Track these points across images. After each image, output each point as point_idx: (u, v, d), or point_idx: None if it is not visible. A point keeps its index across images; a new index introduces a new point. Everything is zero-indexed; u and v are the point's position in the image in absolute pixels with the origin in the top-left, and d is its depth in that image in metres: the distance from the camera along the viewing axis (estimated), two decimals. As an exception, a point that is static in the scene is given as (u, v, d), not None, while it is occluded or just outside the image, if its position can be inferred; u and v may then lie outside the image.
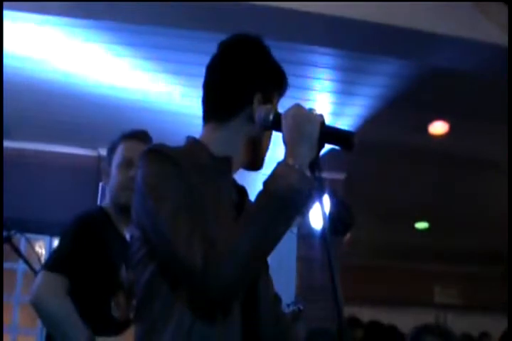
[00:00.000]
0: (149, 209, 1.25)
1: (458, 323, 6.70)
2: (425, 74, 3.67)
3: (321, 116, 1.32)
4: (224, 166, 1.39)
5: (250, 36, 1.51)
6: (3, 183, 3.64)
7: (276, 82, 1.48)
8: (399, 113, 4.20)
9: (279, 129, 1.35)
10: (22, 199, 4.81)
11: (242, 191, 1.48)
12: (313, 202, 1.29)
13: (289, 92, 4.51)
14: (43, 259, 4.49)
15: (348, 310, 5.46)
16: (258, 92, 1.42)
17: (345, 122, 4.29)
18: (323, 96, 3.98)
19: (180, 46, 3.54)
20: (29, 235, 3.86)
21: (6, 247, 3.48)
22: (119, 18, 3.13)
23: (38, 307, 2.16)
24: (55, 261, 2.27)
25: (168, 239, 1.21)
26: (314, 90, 3.95)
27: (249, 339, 1.32)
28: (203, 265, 1.16)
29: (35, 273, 3.46)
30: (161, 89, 4.03)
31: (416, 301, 8.51)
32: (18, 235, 3.59)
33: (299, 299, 4.83)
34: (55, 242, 5.05)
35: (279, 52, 3.80)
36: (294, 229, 5.25)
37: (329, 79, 3.84)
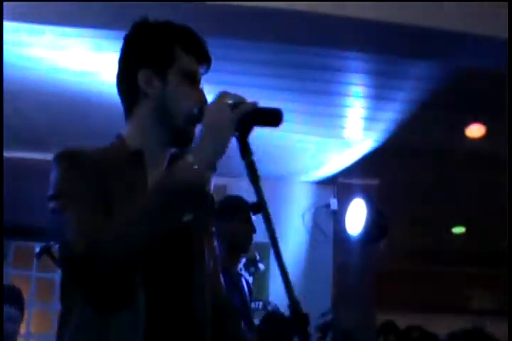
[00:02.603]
0: (52, 208, 1.28)
1: (494, 329, 6.56)
2: (459, 76, 3.62)
3: (245, 104, 1.27)
4: (137, 159, 1.38)
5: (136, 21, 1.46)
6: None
7: (168, 51, 1.40)
8: (433, 116, 4.15)
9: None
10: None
11: None
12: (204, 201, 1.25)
13: (320, 99, 4.47)
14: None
15: (383, 316, 5.37)
16: (142, 69, 1.39)
17: (378, 127, 4.24)
18: (356, 101, 3.95)
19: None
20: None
21: (45, 258, 3.51)
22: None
23: None
24: None
25: (63, 230, 1.24)
26: (347, 95, 3.92)
27: (158, 329, 1.28)
28: (84, 249, 1.17)
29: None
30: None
31: (452, 306, 8.37)
32: (57, 246, 3.64)
33: (332, 309, 4.81)
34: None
35: (311, 58, 3.79)
36: (330, 235, 5.22)
37: (361, 84, 3.81)
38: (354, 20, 2.92)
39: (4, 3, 2.72)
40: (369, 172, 4.98)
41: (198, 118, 1.32)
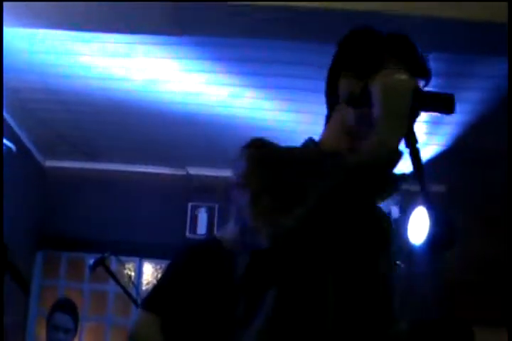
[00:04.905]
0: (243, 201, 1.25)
1: None
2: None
3: (414, 82, 1.20)
4: (333, 161, 1.27)
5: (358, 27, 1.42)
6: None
7: (375, 60, 1.32)
8: (504, 117, 3.91)
9: (368, 105, 1.20)
10: (111, 221, 4.80)
11: None
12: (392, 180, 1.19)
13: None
14: (133, 281, 4.51)
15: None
16: (345, 71, 1.35)
17: (443, 130, 4.04)
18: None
19: (267, 58, 3.41)
20: (120, 257, 3.88)
21: (99, 269, 3.47)
22: (202, 32, 3.04)
23: None
24: (152, 299, 2.21)
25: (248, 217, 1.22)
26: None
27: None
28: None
29: (128, 295, 3.43)
30: (250, 105, 3.90)
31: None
32: (110, 257, 3.59)
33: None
34: (145, 264, 5.04)
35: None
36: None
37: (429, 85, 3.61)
38: (418, 18, 2.76)
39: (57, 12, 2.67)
40: (433, 179, 4.76)
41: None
